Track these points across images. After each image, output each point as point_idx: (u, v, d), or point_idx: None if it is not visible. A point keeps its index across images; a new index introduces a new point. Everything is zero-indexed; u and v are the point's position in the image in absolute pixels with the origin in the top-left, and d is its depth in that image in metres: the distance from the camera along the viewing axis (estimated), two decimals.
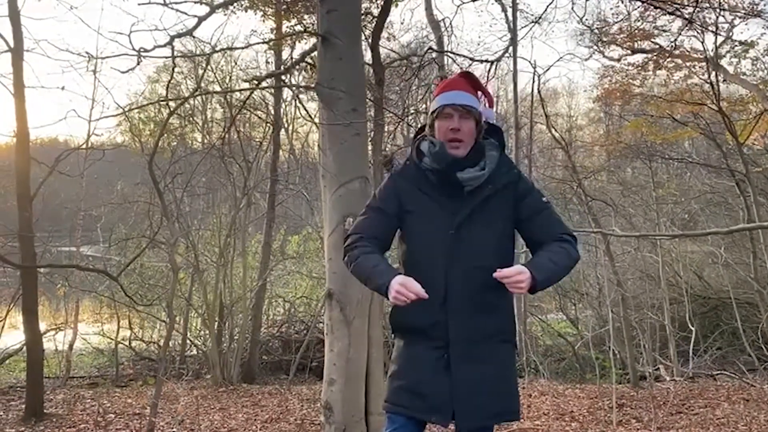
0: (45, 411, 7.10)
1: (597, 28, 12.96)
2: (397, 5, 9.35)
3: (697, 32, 10.06)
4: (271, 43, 10.85)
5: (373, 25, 6.13)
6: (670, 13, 8.86)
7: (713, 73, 9.71)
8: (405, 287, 1.91)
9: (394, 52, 10.46)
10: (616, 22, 12.72)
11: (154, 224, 9.34)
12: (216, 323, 10.35)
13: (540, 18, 11.11)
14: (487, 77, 7.59)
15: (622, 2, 11.62)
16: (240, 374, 10.15)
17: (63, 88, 6.46)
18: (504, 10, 10.91)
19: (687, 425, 6.32)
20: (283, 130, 12.28)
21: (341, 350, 4.29)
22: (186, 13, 6.07)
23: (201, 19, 4.56)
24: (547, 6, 9.27)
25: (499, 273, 1.93)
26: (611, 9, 17.75)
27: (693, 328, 10.17)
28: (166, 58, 7.62)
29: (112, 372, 10.62)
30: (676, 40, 11.50)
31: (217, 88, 12.20)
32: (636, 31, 12.68)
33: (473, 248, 2.07)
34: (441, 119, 2.15)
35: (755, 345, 9.77)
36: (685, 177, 16.05)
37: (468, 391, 2.03)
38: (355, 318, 4.30)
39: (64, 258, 12.70)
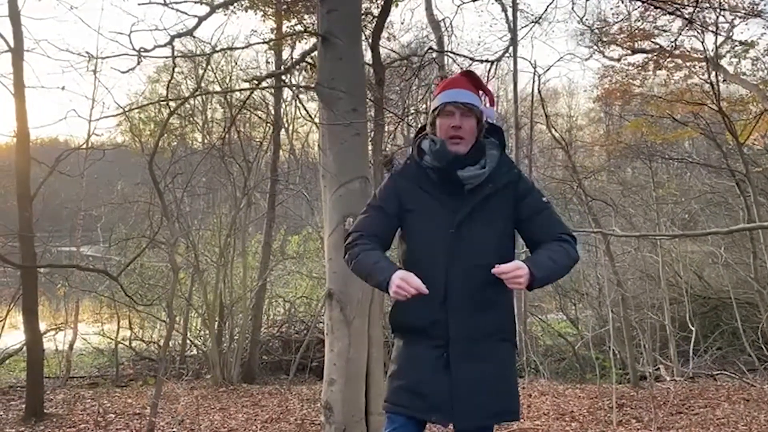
0: (45, 411, 7.10)
1: (597, 28, 12.97)
2: (397, 5, 9.35)
3: (698, 32, 10.07)
4: (271, 43, 10.86)
5: (374, 25, 6.13)
6: (671, 13, 8.86)
7: (713, 73, 9.71)
8: (406, 282, 1.91)
9: (394, 52, 10.46)
10: (617, 22, 12.74)
11: (154, 224, 9.34)
12: (216, 323, 10.35)
13: (540, 18, 11.11)
14: (488, 77, 7.60)
15: (623, 2, 11.64)
16: (240, 374, 10.15)
17: (63, 88, 6.46)
18: (504, 10, 10.92)
19: (687, 425, 6.32)
20: (283, 130, 12.27)
21: (341, 350, 4.29)
22: (186, 13, 6.07)
23: (201, 19, 4.56)
24: (548, 6, 9.27)
25: (498, 268, 1.93)
26: (611, 9, 17.78)
27: (693, 328, 10.17)
28: (167, 58, 7.63)
29: (112, 372, 10.62)
30: (676, 40, 11.51)
31: (218, 88, 12.21)
32: (636, 31, 12.68)
33: (473, 246, 2.07)
34: (442, 117, 2.16)
35: (755, 345, 9.77)
36: (685, 177, 16.06)
37: (468, 390, 2.03)
38: (355, 318, 4.30)
39: (64, 258, 12.70)
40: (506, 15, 10.99)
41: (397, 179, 2.22)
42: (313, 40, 5.40)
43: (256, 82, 7.61)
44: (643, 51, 13.26)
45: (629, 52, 13.42)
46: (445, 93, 2.18)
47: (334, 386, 4.31)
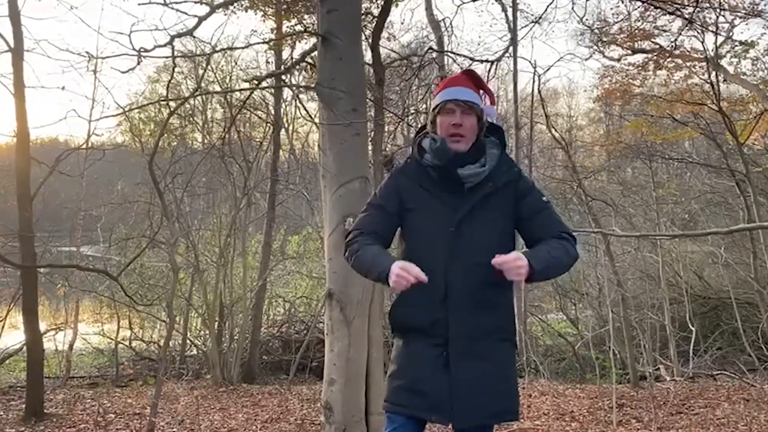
0: (45, 411, 7.11)
1: (597, 28, 12.97)
2: (397, 5, 9.36)
3: (698, 32, 10.07)
4: (271, 43, 10.85)
5: (374, 25, 6.13)
6: (671, 13, 8.86)
7: (713, 73, 9.72)
8: (405, 271, 1.90)
9: (394, 52, 10.46)
10: (617, 22, 12.74)
11: (154, 224, 9.34)
12: (216, 323, 10.35)
13: (540, 18, 11.12)
14: (488, 77, 7.59)
15: (623, 2, 11.64)
16: (240, 374, 10.15)
17: (63, 88, 6.48)
18: (504, 10, 10.92)
19: (687, 425, 6.32)
20: (283, 130, 12.27)
21: (341, 350, 4.29)
22: (186, 13, 6.07)
23: (201, 19, 4.55)
24: (548, 6, 9.27)
25: (498, 258, 1.92)
26: (611, 9, 17.78)
27: (693, 328, 10.17)
28: (167, 58, 7.63)
29: (112, 372, 10.62)
30: (676, 40, 11.51)
31: (218, 88, 12.21)
32: (636, 31, 12.68)
33: (474, 245, 2.06)
34: (443, 115, 2.16)
35: (755, 345, 9.77)
36: (685, 177, 16.05)
37: (467, 389, 2.02)
38: (355, 318, 4.29)
39: (65, 258, 12.71)
40: (506, 15, 11.00)
41: (397, 177, 2.22)
42: (313, 40, 5.40)
43: (256, 82, 7.61)
44: (643, 51, 13.25)
45: (629, 52, 13.42)
46: (445, 91, 2.19)
47: (334, 386, 4.31)
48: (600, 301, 11.73)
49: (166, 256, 9.09)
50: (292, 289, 13.60)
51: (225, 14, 9.86)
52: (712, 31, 9.72)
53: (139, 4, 4.59)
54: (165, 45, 4.50)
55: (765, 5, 12.86)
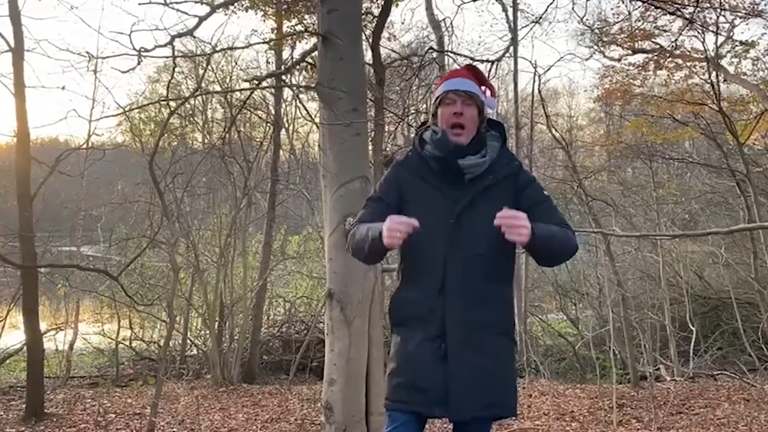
0: (45, 411, 7.11)
1: (597, 28, 12.97)
2: (397, 5, 9.36)
3: (698, 32, 10.06)
4: (271, 43, 10.85)
5: (374, 25, 6.12)
6: (671, 13, 8.85)
7: (714, 73, 9.71)
8: (394, 222, 1.89)
9: (394, 52, 10.46)
10: (617, 22, 12.74)
11: (154, 224, 9.34)
12: (216, 323, 10.35)
13: (540, 18, 11.10)
14: (488, 77, 7.58)
15: (623, 2, 11.64)
16: (240, 374, 10.15)
17: (63, 88, 6.48)
18: (504, 10, 10.95)
19: (687, 425, 6.32)
20: (283, 130, 12.27)
21: (342, 350, 4.29)
22: (186, 13, 6.05)
23: (201, 19, 4.55)
24: (548, 6, 9.22)
25: (504, 212, 1.88)
26: (612, 9, 17.81)
27: (693, 328, 10.17)
28: (167, 58, 7.60)
29: (112, 372, 10.62)
30: (676, 40, 11.50)
31: (218, 88, 12.21)
32: (636, 31, 12.67)
33: (474, 236, 2.06)
34: (444, 106, 2.17)
35: (756, 345, 9.76)
36: (685, 177, 16.05)
37: (463, 382, 2.00)
38: (355, 318, 4.29)
39: (65, 258, 12.71)
40: (506, 15, 11.03)
41: (399, 169, 2.23)
42: (314, 40, 5.40)
43: (256, 82, 7.61)
44: (643, 51, 13.25)
45: (630, 52, 13.42)
46: (446, 82, 2.21)
47: (334, 386, 4.31)
48: (600, 301, 11.73)
49: (167, 256, 9.09)
50: (292, 289, 13.60)
51: (225, 14, 9.88)
52: (713, 31, 9.72)
53: (139, 4, 4.60)
54: (165, 45, 4.50)
55: (765, 5, 12.87)
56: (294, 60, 8.27)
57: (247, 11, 10.98)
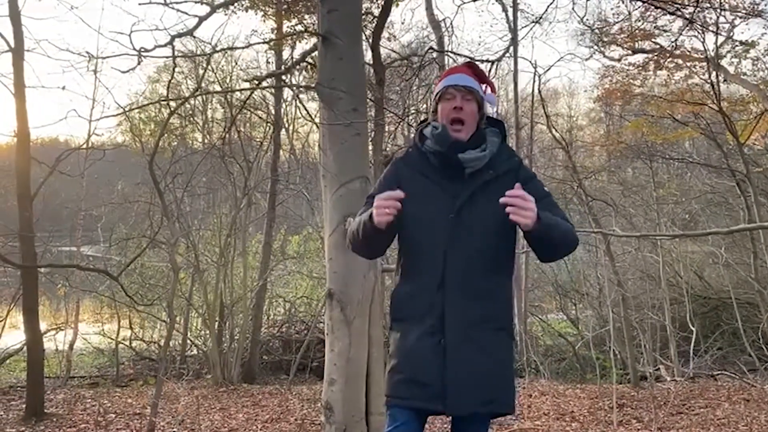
0: (45, 411, 7.11)
1: (597, 28, 12.98)
2: (397, 5, 9.37)
3: (698, 32, 10.06)
4: (271, 43, 10.85)
5: (374, 25, 6.13)
6: (671, 13, 8.85)
7: (714, 73, 9.71)
8: (380, 200, 1.91)
9: (394, 52, 10.46)
10: (617, 22, 12.74)
11: (154, 224, 9.34)
12: (216, 323, 10.35)
13: (540, 18, 11.11)
14: (488, 77, 7.58)
15: (623, 2, 11.64)
16: (240, 374, 10.15)
17: (63, 88, 6.43)
18: (504, 10, 10.94)
19: (687, 425, 6.32)
20: (283, 129, 12.28)
21: (342, 350, 4.29)
22: (186, 13, 6.04)
23: (201, 19, 4.55)
24: (548, 6, 9.26)
25: (514, 191, 1.85)
26: (612, 9, 17.80)
27: (693, 329, 10.17)
28: (167, 58, 7.59)
29: (112, 372, 10.62)
30: (676, 40, 11.50)
31: (218, 88, 12.21)
32: (637, 31, 12.67)
33: (474, 231, 2.05)
34: (444, 101, 2.18)
35: (756, 345, 9.77)
36: (685, 177, 16.05)
37: (461, 377, 2.00)
38: (355, 318, 4.29)
39: (65, 258, 12.71)
40: (506, 15, 11.02)
41: (398, 165, 2.23)
42: (314, 40, 5.40)
43: (256, 82, 7.61)
44: (643, 51, 13.25)
45: (630, 52, 13.42)
46: (446, 78, 2.22)
47: (334, 386, 4.30)
48: (600, 301, 11.73)
49: (167, 256, 9.09)
50: (292, 289, 13.61)
51: (225, 14, 9.86)
52: (713, 31, 9.72)
53: (139, 4, 4.59)
54: (165, 45, 4.49)
55: (765, 5, 12.87)
56: (294, 60, 8.28)
57: (247, 11, 10.98)
